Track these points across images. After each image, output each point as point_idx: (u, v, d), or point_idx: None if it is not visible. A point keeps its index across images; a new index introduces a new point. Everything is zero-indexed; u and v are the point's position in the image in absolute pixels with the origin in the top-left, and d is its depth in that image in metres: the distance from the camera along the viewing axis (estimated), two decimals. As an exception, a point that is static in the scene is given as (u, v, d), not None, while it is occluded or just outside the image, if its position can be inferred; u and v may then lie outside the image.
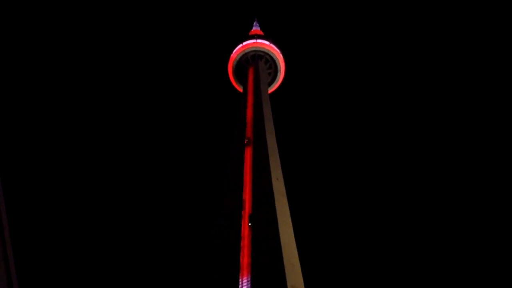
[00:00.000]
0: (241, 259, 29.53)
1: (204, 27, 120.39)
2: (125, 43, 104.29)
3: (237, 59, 61.83)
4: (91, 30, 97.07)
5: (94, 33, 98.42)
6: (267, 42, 61.39)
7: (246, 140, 41.01)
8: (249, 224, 32.12)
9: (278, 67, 62.10)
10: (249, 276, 27.88)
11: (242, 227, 31.90)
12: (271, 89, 62.32)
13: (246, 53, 61.55)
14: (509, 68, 77.66)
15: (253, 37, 63.07)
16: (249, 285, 27.45)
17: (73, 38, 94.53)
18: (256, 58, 61.17)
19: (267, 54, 61.64)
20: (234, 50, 62.46)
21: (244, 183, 36.07)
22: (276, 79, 63.19)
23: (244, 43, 61.78)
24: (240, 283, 27.97)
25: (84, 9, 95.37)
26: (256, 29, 69.61)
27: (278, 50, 61.61)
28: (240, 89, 62.28)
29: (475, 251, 64.41)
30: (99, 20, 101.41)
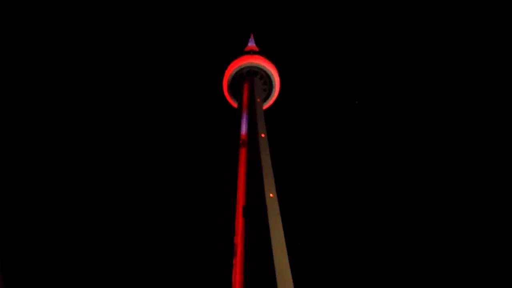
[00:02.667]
0: (233, 277, 29.24)
1: (199, 42, 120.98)
2: (119, 54, 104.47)
3: (232, 74, 62.09)
4: (80, 38, 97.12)
5: (82, 42, 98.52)
6: (262, 58, 61.75)
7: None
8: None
9: (273, 83, 62.41)
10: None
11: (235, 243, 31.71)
12: (266, 105, 62.51)
13: (241, 69, 61.82)
14: (509, 68, 77.88)
15: (248, 53, 63.40)
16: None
17: (69, 39, 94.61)
18: (251, 73, 61.45)
19: (262, 70, 61.95)
20: (229, 66, 62.80)
21: (237, 198, 35.90)
22: (272, 95, 63.43)
23: (239, 58, 62.15)
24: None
25: (77, 14, 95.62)
26: (251, 45, 70.08)
27: (273, 66, 61.94)
28: (235, 104, 62.40)
29: (475, 251, 64.05)
30: (89, 29, 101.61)
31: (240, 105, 54.43)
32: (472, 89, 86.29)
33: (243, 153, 41.10)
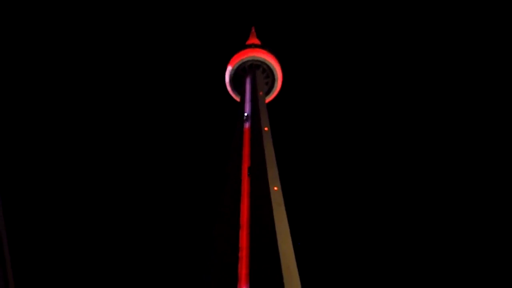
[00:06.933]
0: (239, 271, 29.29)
1: (201, 37, 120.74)
2: (118, 52, 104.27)
3: (234, 68, 61.90)
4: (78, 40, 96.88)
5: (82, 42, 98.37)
6: (264, 51, 61.55)
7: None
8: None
9: (276, 76, 62.18)
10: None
11: (240, 237, 31.78)
12: (269, 98, 62.32)
13: (243, 63, 61.61)
14: (509, 68, 77.49)
15: (250, 46, 63.16)
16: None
17: (69, 39, 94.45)
18: (253, 67, 61.25)
19: (264, 63, 61.73)
20: (231, 60, 62.62)
21: (242, 192, 35.92)
22: (274, 88, 63.25)
23: (240, 52, 61.96)
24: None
25: (77, 14, 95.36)
26: (253, 38, 69.75)
27: (275, 60, 61.71)
28: (237, 98, 62.23)
29: (475, 251, 64.06)
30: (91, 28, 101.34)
31: (242, 99, 54.35)
32: (472, 89, 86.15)
33: (246, 148, 40.97)
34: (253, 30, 73.08)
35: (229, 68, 62.39)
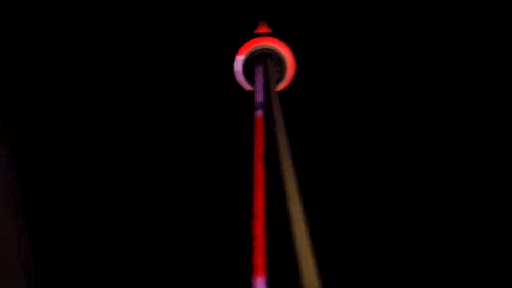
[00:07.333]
0: (254, 260, 29.19)
1: (210, 27, 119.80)
2: (123, 44, 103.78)
3: (246, 57, 61.34)
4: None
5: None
6: (275, 39, 61.01)
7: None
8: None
9: (287, 65, 61.59)
10: (264, 277, 27.56)
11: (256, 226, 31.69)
12: (281, 87, 61.81)
13: (254, 51, 61.09)
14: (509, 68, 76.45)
15: (260, 35, 62.59)
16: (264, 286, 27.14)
17: (69, 39, 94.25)
18: (263, 56, 60.70)
19: (275, 52, 61.16)
20: (240, 48, 62.09)
21: (256, 183, 35.73)
22: (284, 77, 62.68)
23: (251, 40, 61.47)
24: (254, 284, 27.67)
25: (77, 13, 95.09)
26: (263, 26, 68.93)
27: (288, 47, 61.09)
28: (247, 88, 61.81)
29: (476, 251, 63.63)
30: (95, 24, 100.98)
31: (254, 88, 53.98)
32: (472, 89, 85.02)
33: (260, 137, 40.70)
34: (263, 20, 72.27)
35: (240, 58, 61.85)
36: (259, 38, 61.48)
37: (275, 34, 63.13)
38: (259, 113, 44.84)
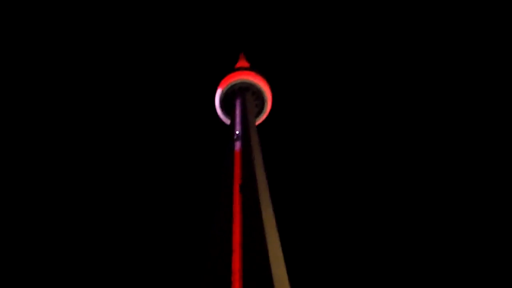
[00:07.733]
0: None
1: (190, 61, 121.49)
2: (113, 61, 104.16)
3: (224, 91, 61.98)
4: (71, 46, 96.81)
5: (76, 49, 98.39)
6: (253, 74, 61.85)
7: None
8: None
9: (265, 98, 62.38)
10: None
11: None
12: (259, 121, 62.33)
13: (233, 85, 61.76)
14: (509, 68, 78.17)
15: (239, 69, 63.45)
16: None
17: (69, 39, 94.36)
18: (243, 90, 61.37)
19: (253, 86, 61.92)
20: (220, 82, 62.77)
21: (234, 214, 35.38)
22: (264, 110, 63.36)
23: (230, 75, 62.23)
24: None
25: (77, 14, 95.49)
26: (242, 61, 70.12)
27: (265, 81, 61.99)
28: (226, 121, 62.09)
29: (475, 251, 63.49)
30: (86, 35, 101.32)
31: (233, 121, 54.16)
32: (472, 89, 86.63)
33: (237, 168, 40.63)
34: (242, 54, 73.55)
35: (218, 91, 62.46)
36: (236, 73, 62.35)
37: (254, 68, 64.20)
38: (237, 145, 44.86)
